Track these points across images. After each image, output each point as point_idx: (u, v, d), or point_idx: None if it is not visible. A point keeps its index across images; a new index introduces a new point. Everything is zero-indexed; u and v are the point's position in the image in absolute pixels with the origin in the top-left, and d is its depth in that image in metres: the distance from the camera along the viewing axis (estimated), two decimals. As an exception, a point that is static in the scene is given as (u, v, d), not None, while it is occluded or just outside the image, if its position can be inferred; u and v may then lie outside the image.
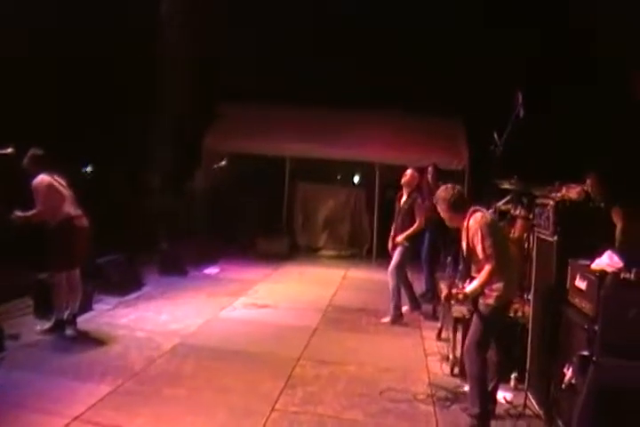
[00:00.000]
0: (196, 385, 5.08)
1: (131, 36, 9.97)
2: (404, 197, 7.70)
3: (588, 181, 7.00)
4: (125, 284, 8.15)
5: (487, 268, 4.47)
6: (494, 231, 4.61)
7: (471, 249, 4.63)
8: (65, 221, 6.15)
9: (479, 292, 4.55)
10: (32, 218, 6.04)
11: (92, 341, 6.09)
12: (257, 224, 12.67)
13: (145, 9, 10.96)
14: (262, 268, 10.80)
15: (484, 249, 4.48)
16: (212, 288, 8.81)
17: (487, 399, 4.62)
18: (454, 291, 4.63)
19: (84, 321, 6.55)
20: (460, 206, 4.72)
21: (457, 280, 5.17)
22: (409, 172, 7.75)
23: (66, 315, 6.22)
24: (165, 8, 12.00)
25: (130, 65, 10.25)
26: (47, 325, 6.21)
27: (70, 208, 6.25)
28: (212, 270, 10.36)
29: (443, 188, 4.86)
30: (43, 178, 6.10)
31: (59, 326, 6.19)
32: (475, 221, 4.60)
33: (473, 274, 4.71)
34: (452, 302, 4.87)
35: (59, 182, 6.26)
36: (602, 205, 5.59)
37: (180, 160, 12.09)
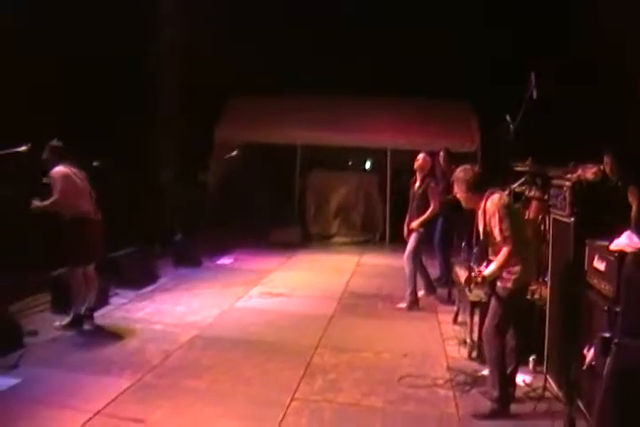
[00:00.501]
0: (214, 377, 5.10)
1: (134, 29, 9.92)
2: (418, 182, 7.65)
3: (606, 160, 6.94)
4: (141, 277, 8.17)
5: (505, 250, 4.43)
6: (511, 213, 4.57)
7: (488, 231, 4.58)
8: (80, 215, 6.16)
9: (497, 274, 4.52)
10: (49, 207, 6.05)
11: (110, 335, 6.11)
12: (269, 213, 12.66)
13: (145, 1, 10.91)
14: (276, 257, 10.80)
15: (501, 231, 4.44)
16: (227, 279, 8.82)
17: (507, 383, 4.61)
18: (473, 274, 4.60)
19: (100, 316, 6.58)
20: (478, 188, 4.67)
21: (472, 264, 5.12)
22: (421, 156, 7.69)
23: (83, 310, 6.25)
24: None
25: (132, 57, 10.21)
26: (65, 320, 6.23)
27: (86, 202, 6.26)
28: (225, 261, 10.38)
29: (461, 168, 4.80)
30: (60, 169, 6.10)
31: (77, 321, 6.22)
32: (492, 203, 4.54)
33: (490, 257, 4.68)
34: (472, 285, 4.85)
35: (76, 175, 6.25)
36: (619, 184, 5.54)
37: (192, 152, 12.09)
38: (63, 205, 6.10)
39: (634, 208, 5.83)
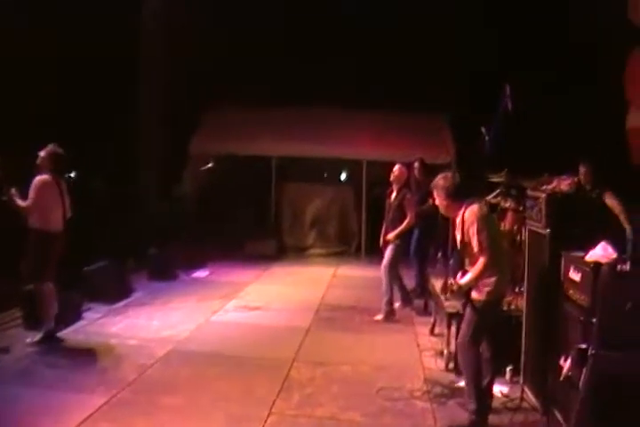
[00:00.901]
0: (191, 392, 5.03)
1: (112, 38, 9.86)
2: (394, 194, 7.68)
3: (582, 169, 7.08)
4: (114, 291, 8.04)
5: (482, 260, 4.44)
6: (490, 224, 4.59)
7: (466, 241, 4.59)
8: (46, 230, 6.02)
9: (473, 284, 4.53)
10: (18, 207, 5.93)
11: (84, 351, 5.99)
12: (245, 226, 12.60)
13: (127, 9, 10.86)
14: (252, 269, 10.74)
15: (479, 242, 4.44)
16: (203, 292, 8.73)
17: (484, 394, 4.60)
18: (450, 282, 4.61)
19: (73, 331, 6.48)
20: (457, 195, 4.67)
21: (449, 275, 5.14)
22: (397, 167, 7.72)
23: (53, 325, 6.13)
24: (148, 9, 11.93)
25: (111, 68, 10.15)
26: (37, 336, 6.10)
27: (56, 217, 6.12)
28: (201, 274, 10.30)
29: (441, 175, 4.79)
30: (44, 178, 5.99)
31: (49, 337, 6.10)
32: (471, 213, 4.55)
33: (466, 267, 4.69)
34: (447, 294, 4.86)
35: (59, 187, 6.14)
36: (593, 195, 5.63)
37: (167, 164, 12.01)
38: (32, 215, 5.98)
39: (617, 211, 5.93)
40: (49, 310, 6.13)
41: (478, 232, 4.46)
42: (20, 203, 5.94)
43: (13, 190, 5.93)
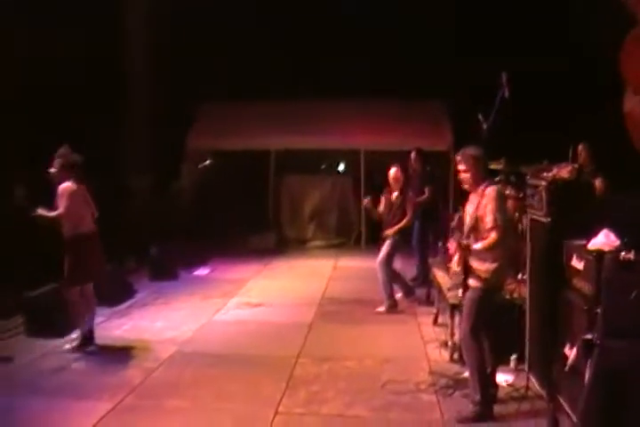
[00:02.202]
0: (197, 394, 5.01)
1: (98, 39, 9.80)
2: (396, 193, 7.69)
3: (581, 149, 7.09)
4: (116, 293, 8.00)
5: (493, 235, 4.42)
6: (504, 208, 4.63)
7: (479, 216, 4.53)
8: (80, 233, 6.03)
9: (479, 252, 4.49)
10: (52, 218, 5.93)
11: (89, 356, 5.94)
12: (244, 220, 12.56)
13: (114, 9, 10.78)
14: (252, 264, 10.71)
15: (495, 219, 4.42)
16: (205, 290, 8.71)
17: (488, 385, 4.59)
18: (462, 241, 4.56)
19: (76, 337, 6.39)
20: (483, 167, 4.67)
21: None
22: (394, 170, 7.72)
23: (87, 329, 6.12)
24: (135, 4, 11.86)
25: (101, 64, 10.10)
26: (75, 342, 6.09)
27: (88, 220, 6.15)
28: (202, 271, 10.27)
29: (470, 147, 4.76)
30: (69, 185, 5.98)
31: (86, 342, 6.07)
32: (493, 190, 4.54)
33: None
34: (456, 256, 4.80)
35: (82, 191, 6.13)
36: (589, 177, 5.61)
37: (164, 160, 11.95)
38: (65, 222, 5.97)
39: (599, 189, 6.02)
40: (79, 314, 6.12)
41: (496, 210, 4.44)
42: (51, 214, 5.92)
43: (38, 210, 5.93)
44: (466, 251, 4.55)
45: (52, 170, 6.03)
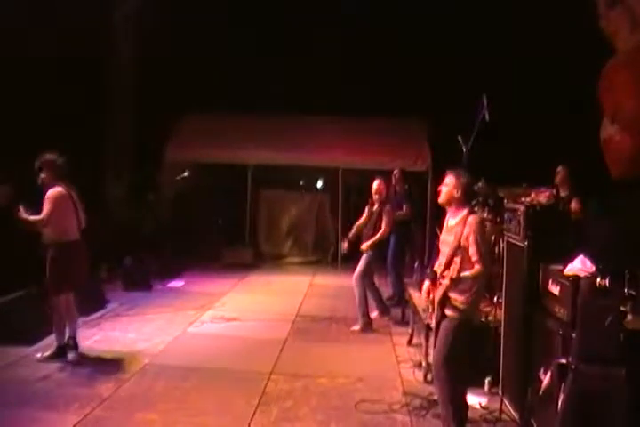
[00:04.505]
0: (167, 408, 4.93)
1: (88, 43, 9.77)
2: (376, 205, 7.76)
3: (559, 169, 7.21)
4: (88, 302, 7.86)
5: (478, 267, 4.31)
6: (485, 237, 4.58)
7: (463, 246, 4.38)
8: (62, 240, 5.92)
9: (460, 282, 4.34)
10: (33, 222, 5.81)
11: (57, 366, 5.81)
12: (221, 234, 12.51)
13: (96, 17, 10.74)
14: (228, 278, 10.64)
15: (479, 252, 4.31)
16: (179, 303, 8.62)
17: (461, 416, 4.43)
18: (454, 275, 4.34)
19: (45, 346, 6.26)
20: (469, 192, 4.60)
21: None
22: (377, 182, 7.81)
23: (66, 339, 5.99)
24: (118, 15, 11.85)
25: (81, 73, 10.05)
26: (48, 351, 5.96)
27: (72, 227, 6.03)
28: (177, 283, 10.17)
29: (456, 170, 4.64)
30: (58, 190, 5.88)
31: (61, 352, 5.95)
32: (475, 221, 4.42)
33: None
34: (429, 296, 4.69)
35: (71, 196, 6.03)
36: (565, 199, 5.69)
37: (141, 171, 11.87)
38: (47, 228, 5.87)
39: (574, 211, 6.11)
40: (60, 323, 6.01)
41: (479, 241, 4.34)
42: (32, 218, 5.81)
43: (21, 208, 5.81)
44: (454, 283, 4.36)
45: (42, 175, 5.94)
